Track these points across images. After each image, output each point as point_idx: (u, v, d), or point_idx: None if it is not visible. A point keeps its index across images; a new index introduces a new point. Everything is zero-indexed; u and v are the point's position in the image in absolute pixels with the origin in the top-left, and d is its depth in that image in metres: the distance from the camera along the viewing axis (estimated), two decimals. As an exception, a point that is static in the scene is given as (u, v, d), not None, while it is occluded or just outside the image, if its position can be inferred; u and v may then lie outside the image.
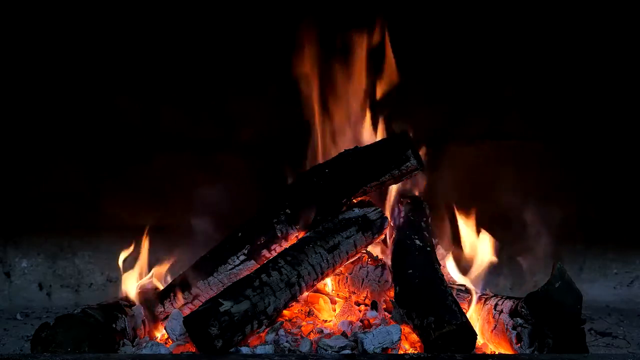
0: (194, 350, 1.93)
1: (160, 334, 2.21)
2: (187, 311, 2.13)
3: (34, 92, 2.96)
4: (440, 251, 2.45)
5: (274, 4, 2.89)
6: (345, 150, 2.38)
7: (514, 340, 1.90)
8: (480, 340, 2.03)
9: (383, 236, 2.31)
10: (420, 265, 2.10)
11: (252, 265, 2.21)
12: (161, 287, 2.33)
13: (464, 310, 1.96)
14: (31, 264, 3.05)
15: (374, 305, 2.19)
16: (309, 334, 2.04)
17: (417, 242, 2.21)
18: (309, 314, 2.19)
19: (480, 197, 3.01)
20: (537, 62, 2.97)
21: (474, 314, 2.10)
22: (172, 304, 2.22)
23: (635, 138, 3.02)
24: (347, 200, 2.29)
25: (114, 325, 2.01)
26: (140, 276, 2.35)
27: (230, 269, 2.21)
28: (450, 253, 2.45)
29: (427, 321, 1.85)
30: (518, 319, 1.91)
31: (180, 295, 2.22)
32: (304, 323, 2.11)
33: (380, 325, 2.03)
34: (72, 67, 2.94)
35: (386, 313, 2.15)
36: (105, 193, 3.01)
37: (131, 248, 2.39)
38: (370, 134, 2.52)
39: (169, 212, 2.98)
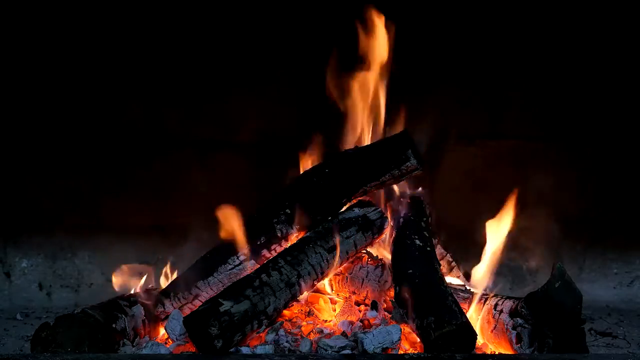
0: (194, 350, 1.92)
1: (160, 333, 2.21)
2: (187, 311, 2.12)
3: (35, 93, 2.97)
4: (440, 251, 2.45)
5: (273, 7, 2.90)
6: (345, 149, 2.38)
7: (514, 340, 1.90)
8: (480, 340, 2.03)
9: (383, 236, 2.31)
10: (420, 265, 2.10)
11: (252, 265, 2.21)
12: (161, 287, 2.33)
13: (464, 310, 1.96)
14: (31, 264, 3.05)
15: (374, 305, 2.19)
16: (309, 334, 2.04)
17: (417, 242, 2.21)
18: (309, 314, 2.18)
19: (480, 197, 3.02)
20: (537, 62, 2.98)
21: (474, 314, 2.10)
22: (172, 303, 2.21)
23: (636, 138, 3.03)
24: (347, 200, 2.29)
25: (114, 325, 2.01)
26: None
27: (230, 269, 2.21)
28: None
29: (427, 321, 1.84)
30: (518, 319, 1.91)
31: (180, 295, 2.22)
32: (304, 323, 2.11)
33: (380, 325, 2.03)
34: (73, 69, 2.95)
35: (386, 313, 2.15)
36: (105, 193, 3.01)
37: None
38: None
39: (169, 212, 2.99)
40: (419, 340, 1.93)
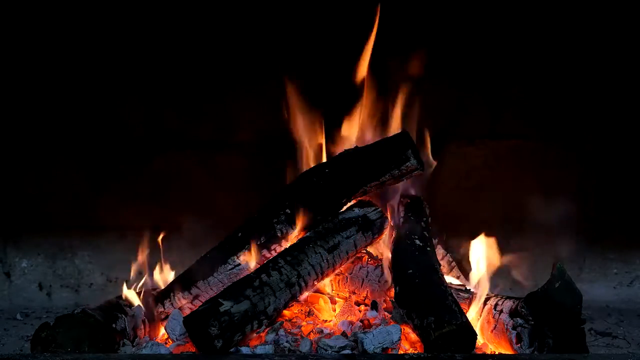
0: (194, 350, 1.93)
1: (160, 333, 2.21)
2: (187, 311, 2.13)
3: (35, 93, 2.97)
4: (440, 251, 2.45)
5: (272, 9, 2.89)
6: (345, 149, 2.38)
7: (514, 340, 1.90)
8: (480, 340, 2.03)
9: (383, 236, 2.31)
10: (420, 265, 2.10)
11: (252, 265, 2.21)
12: (161, 287, 2.33)
13: (464, 311, 1.96)
14: (31, 264, 3.05)
15: (374, 305, 2.19)
16: (309, 334, 2.04)
17: (417, 242, 2.21)
18: (309, 314, 2.19)
19: (480, 197, 3.02)
20: (537, 62, 2.97)
21: (474, 314, 2.10)
22: (172, 304, 2.21)
23: (635, 138, 3.02)
24: (347, 200, 2.29)
25: (114, 325, 2.01)
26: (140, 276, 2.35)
27: (230, 269, 2.21)
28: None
29: (427, 321, 1.84)
30: (518, 319, 1.91)
31: (180, 295, 2.22)
32: (304, 323, 2.11)
33: (380, 325, 2.03)
34: (74, 69, 2.94)
35: (386, 313, 2.15)
36: (105, 193, 3.00)
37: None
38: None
39: (169, 212, 2.98)
40: (419, 340, 1.93)
